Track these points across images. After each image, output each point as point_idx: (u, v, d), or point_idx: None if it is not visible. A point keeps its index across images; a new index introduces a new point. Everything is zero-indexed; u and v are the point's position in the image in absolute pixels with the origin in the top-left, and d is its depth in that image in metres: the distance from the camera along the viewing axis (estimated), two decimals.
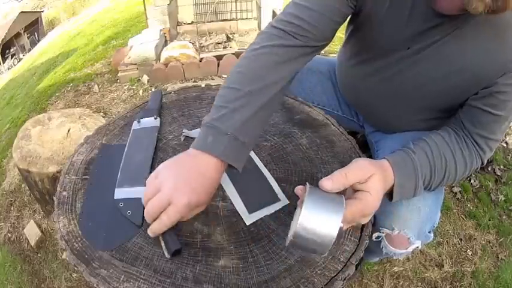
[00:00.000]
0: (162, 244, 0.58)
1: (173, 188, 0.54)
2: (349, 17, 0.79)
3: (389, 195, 0.63)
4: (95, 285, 0.54)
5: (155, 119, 0.82)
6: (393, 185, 0.60)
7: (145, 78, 2.72)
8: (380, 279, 1.31)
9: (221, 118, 0.58)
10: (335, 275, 0.56)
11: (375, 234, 0.73)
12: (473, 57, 0.64)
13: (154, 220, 0.56)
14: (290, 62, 0.65)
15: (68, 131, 1.48)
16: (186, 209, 0.55)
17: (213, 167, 0.57)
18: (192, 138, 0.80)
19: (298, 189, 0.56)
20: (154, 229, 0.56)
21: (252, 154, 0.76)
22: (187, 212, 0.56)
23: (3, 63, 11.95)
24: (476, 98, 0.66)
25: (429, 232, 0.76)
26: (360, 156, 0.76)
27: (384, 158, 0.62)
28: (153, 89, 2.63)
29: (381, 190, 0.57)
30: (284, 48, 0.65)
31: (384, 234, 0.74)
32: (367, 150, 1.02)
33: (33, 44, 12.00)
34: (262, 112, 0.62)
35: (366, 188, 0.54)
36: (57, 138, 1.46)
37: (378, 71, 0.78)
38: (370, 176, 0.55)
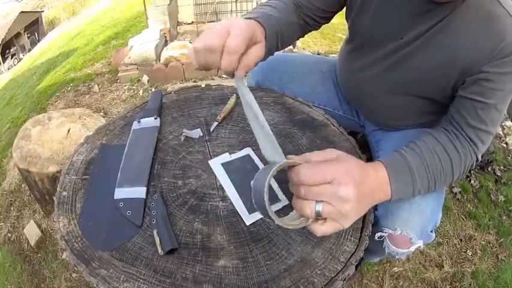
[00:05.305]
0: (157, 240, 0.59)
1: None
2: (346, 14, 0.83)
3: None
4: (94, 285, 0.54)
5: (155, 119, 0.82)
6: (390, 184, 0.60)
7: (145, 78, 2.72)
8: (380, 279, 1.31)
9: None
10: (335, 275, 0.56)
11: (377, 234, 0.73)
12: (462, 46, 0.65)
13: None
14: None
15: (68, 131, 1.48)
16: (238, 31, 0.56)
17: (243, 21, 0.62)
18: (192, 139, 0.80)
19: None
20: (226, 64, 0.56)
21: (252, 154, 0.76)
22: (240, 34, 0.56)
23: (3, 63, 11.95)
24: (463, 88, 0.67)
25: (431, 232, 0.77)
26: (359, 157, 0.76)
27: (377, 160, 0.62)
28: (153, 89, 2.63)
29: (354, 167, 0.52)
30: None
31: (386, 234, 0.74)
32: (367, 150, 1.01)
33: (33, 44, 12.01)
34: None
35: (335, 158, 0.52)
36: (57, 138, 1.46)
37: (375, 63, 0.79)
38: (337, 155, 0.53)
